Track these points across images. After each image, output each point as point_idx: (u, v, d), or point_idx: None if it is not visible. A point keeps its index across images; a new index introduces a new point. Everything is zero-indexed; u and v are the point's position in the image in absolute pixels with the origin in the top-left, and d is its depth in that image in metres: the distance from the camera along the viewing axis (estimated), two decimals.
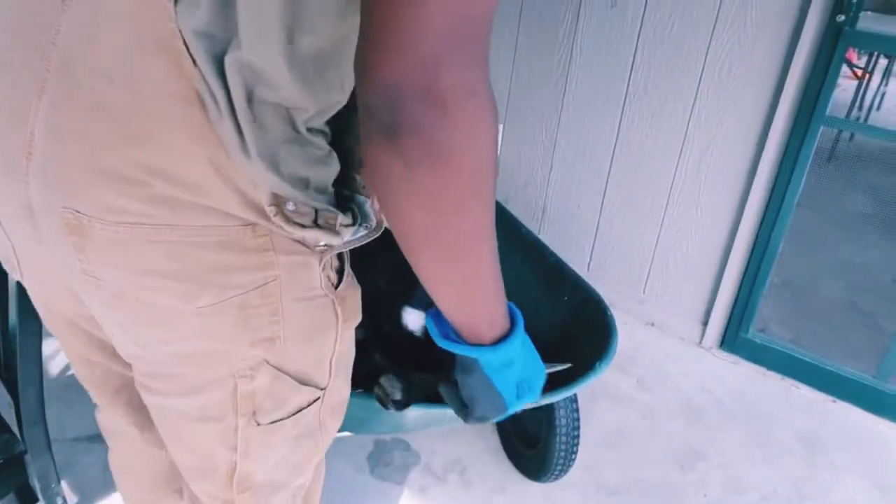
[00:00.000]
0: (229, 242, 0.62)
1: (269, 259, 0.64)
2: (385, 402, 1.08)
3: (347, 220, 0.66)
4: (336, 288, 0.73)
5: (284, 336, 0.69)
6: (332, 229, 0.64)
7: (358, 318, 0.79)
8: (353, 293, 0.76)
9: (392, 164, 0.53)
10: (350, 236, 0.67)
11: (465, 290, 0.64)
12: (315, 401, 0.78)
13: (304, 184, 0.61)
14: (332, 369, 0.78)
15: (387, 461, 1.78)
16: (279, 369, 0.72)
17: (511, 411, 0.74)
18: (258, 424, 0.75)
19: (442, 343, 0.71)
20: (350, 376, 0.83)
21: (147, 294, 0.64)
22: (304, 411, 0.77)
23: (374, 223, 0.69)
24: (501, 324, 0.69)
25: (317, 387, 0.77)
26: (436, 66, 0.50)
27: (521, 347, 0.71)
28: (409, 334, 1.41)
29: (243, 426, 0.74)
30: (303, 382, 0.75)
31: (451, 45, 0.50)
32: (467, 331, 0.68)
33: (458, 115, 0.51)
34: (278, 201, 0.61)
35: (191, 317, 0.64)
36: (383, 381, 1.08)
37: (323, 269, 0.70)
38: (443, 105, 0.50)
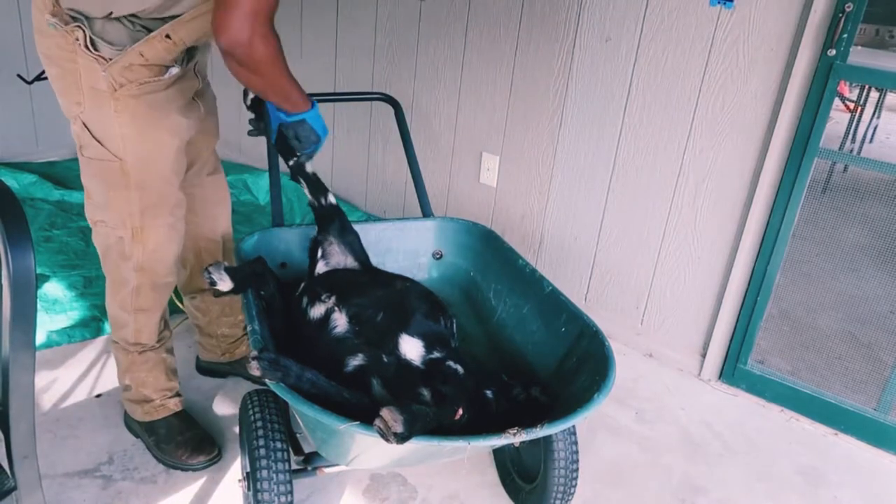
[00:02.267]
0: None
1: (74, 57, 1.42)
2: (387, 434, 1.06)
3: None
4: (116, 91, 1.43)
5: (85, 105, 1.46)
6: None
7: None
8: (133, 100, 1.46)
9: (233, 65, 1.29)
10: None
11: (276, 96, 1.45)
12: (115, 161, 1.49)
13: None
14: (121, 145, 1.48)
15: (384, 496, 1.75)
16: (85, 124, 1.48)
17: (324, 136, 1.56)
18: (83, 156, 1.52)
19: (286, 118, 1.49)
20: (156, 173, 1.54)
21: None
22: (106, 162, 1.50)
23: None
24: (305, 102, 1.49)
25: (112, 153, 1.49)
26: (242, 32, 1.23)
27: (318, 112, 1.53)
28: (407, 363, 1.40)
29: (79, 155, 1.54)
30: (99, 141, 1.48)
31: (243, 23, 1.22)
32: (291, 108, 1.48)
33: (251, 54, 1.27)
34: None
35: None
36: (384, 413, 1.07)
37: (104, 71, 1.41)
38: (246, 50, 1.26)
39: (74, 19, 1.39)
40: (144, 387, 1.78)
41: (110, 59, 1.41)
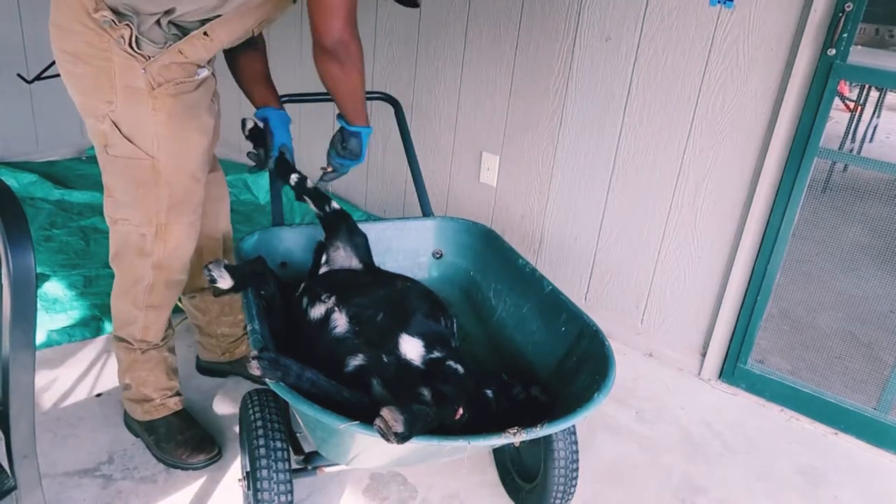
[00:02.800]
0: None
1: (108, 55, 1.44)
2: (387, 434, 1.06)
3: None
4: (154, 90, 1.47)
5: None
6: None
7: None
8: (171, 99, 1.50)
9: (332, 66, 1.49)
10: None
11: (354, 101, 1.59)
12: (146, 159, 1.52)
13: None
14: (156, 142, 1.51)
15: (384, 496, 1.75)
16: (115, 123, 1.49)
17: (363, 159, 1.70)
18: (107, 154, 1.53)
19: (349, 128, 1.64)
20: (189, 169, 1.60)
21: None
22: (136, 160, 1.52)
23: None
24: (367, 119, 1.64)
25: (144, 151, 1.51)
26: (345, 33, 1.43)
27: (368, 135, 1.67)
28: (407, 363, 1.40)
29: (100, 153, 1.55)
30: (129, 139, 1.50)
31: (344, 27, 1.42)
32: (354, 119, 1.62)
33: (349, 51, 1.46)
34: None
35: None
36: (385, 412, 1.07)
37: (144, 69, 1.45)
38: (346, 47, 1.45)
39: (121, 17, 1.40)
40: (145, 386, 1.78)
41: (150, 58, 1.44)
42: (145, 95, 1.46)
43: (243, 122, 1.73)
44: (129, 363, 1.77)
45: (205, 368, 2.12)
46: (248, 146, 1.78)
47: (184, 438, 1.78)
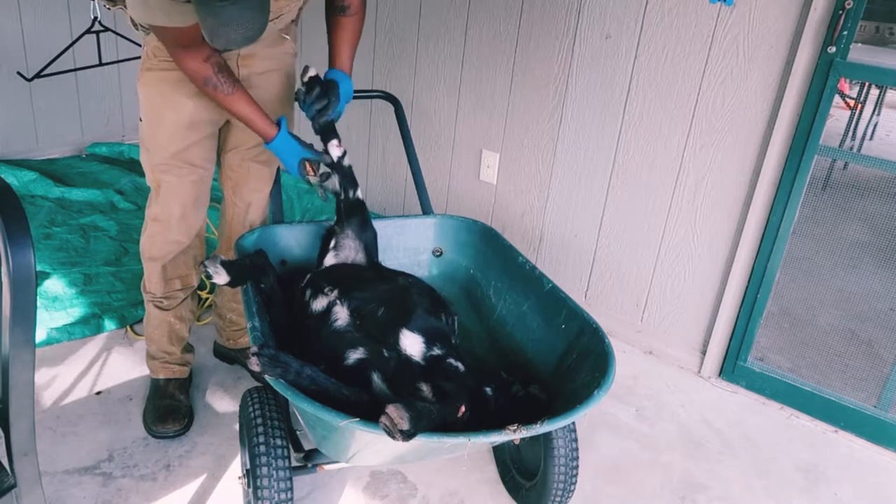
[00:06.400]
0: None
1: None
2: (392, 431, 1.06)
3: None
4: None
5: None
6: None
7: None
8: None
9: (343, 18, 1.70)
10: None
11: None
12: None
13: None
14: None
15: (384, 493, 1.75)
16: None
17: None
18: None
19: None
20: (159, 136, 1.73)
21: None
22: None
23: None
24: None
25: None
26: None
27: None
28: (407, 359, 1.40)
29: None
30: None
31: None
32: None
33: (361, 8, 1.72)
34: None
35: None
36: (390, 410, 1.06)
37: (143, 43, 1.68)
38: (357, 3, 1.70)
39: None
40: (151, 342, 1.96)
41: (147, 35, 1.64)
42: (144, 62, 1.68)
43: (306, 68, 1.70)
44: (146, 316, 1.95)
45: (217, 352, 2.20)
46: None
47: (159, 405, 1.89)
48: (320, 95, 1.66)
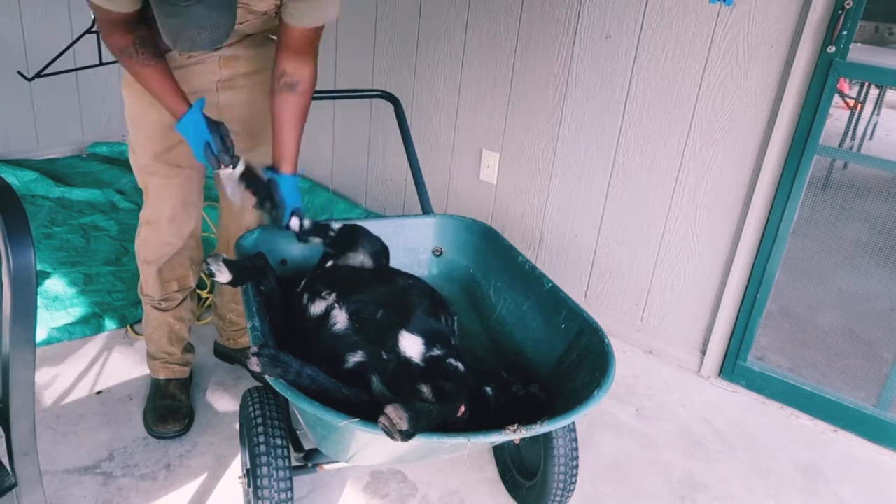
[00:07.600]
0: None
1: None
2: (391, 431, 1.06)
3: None
4: None
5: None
6: None
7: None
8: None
9: (290, 96, 1.59)
10: None
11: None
12: None
13: None
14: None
15: (384, 493, 1.75)
16: None
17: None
18: None
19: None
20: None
21: None
22: None
23: None
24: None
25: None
26: (307, 68, 1.60)
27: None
28: (407, 360, 1.40)
29: None
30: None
31: (308, 59, 1.59)
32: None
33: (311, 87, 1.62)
34: None
35: None
36: (390, 410, 1.06)
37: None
38: (308, 81, 1.60)
39: None
40: (150, 342, 1.96)
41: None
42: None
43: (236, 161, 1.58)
44: (144, 317, 1.95)
45: (218, 352, 2.20)
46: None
47: (159, 405, 1.89)
48: (262, 197, 1.58)
